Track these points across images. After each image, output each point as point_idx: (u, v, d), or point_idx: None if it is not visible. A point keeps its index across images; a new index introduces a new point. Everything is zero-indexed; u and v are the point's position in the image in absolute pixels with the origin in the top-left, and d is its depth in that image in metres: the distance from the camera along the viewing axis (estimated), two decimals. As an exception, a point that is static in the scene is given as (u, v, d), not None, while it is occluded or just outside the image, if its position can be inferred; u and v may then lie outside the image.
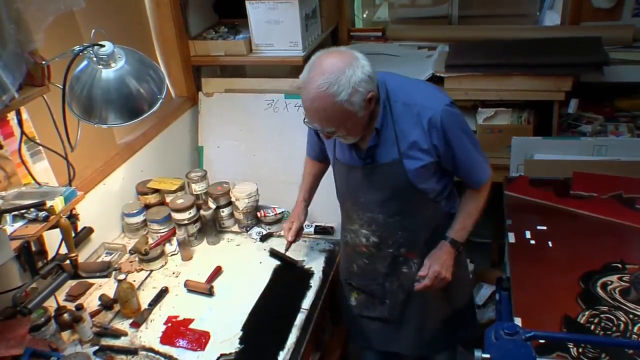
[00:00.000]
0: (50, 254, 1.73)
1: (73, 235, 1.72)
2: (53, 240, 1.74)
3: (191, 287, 1.99)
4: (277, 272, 2.05)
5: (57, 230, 1.64)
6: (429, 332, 1.93)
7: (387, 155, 1.66)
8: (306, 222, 2.24)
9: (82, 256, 2.06)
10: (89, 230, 2.01)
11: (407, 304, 1.89)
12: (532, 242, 1.97)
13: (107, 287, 2.00)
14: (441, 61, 2.65)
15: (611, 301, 1.67)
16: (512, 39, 2.79)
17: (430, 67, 2.61)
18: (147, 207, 2.30)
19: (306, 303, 1.89)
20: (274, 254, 2.13)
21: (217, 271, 2.06)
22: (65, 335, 1.76)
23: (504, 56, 2.56)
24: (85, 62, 1.61)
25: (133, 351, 1.73)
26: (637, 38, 2.63)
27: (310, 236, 2.22)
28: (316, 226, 2.25)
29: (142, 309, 1.89)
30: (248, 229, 2.29)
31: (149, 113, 1.68)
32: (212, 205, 2.25)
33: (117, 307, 1.90)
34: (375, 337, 2.00)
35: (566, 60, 2.44)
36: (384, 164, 1.67)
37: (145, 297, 1.95)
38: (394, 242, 1.81)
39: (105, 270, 1.84)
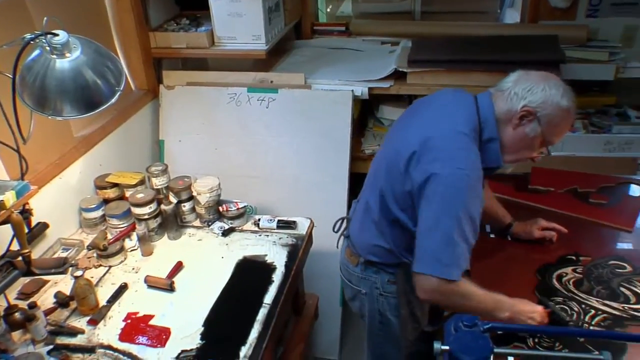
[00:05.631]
0: (1, 251, 1.66)
1: (26, 230, 1.66)
2: (4, 237, 1.68)
3: (151, 283, 1.95)
4: (239, 267, 2.03)
5: (9, 226, 1.59)
6: None
7: None
8: (269, 217, 2.24)
9: (37, 252, 2.00)
10: (43, 226, 1.95)
11: None
12: (492, 235, 2.02)
13: (64, 284, 1.95)
14: (404, 56, 2.67)
15: (566, 292, 1.72)
16: (473, 36, 2.83)
17: (393, 62, 2.63)
18: (106, 201, 2.24)
19: (268, 298, 1.88)
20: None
21: (178, 266, 2.03)
22: (16, 335, 1.69)
23: (466, 52, 2.60)
24: (37, 51, 1.55)
25: (90, 349, 1.68)
26: (591, 38, 2.71)
27: (273, 231, 2.21)
28: (279, 220, 2.23)
29: (101, 305, 1.85)
30: (210, 223, 2.26)
31: (106, 105, 1.63)
32: (173, 200, 2.22)
33: (73, 304, 1.84)
34: None
35: (525, 57, 2.48)
36: None
37: (103, 294, 1.90)
38: None
39: (60, 266, 1.78)
